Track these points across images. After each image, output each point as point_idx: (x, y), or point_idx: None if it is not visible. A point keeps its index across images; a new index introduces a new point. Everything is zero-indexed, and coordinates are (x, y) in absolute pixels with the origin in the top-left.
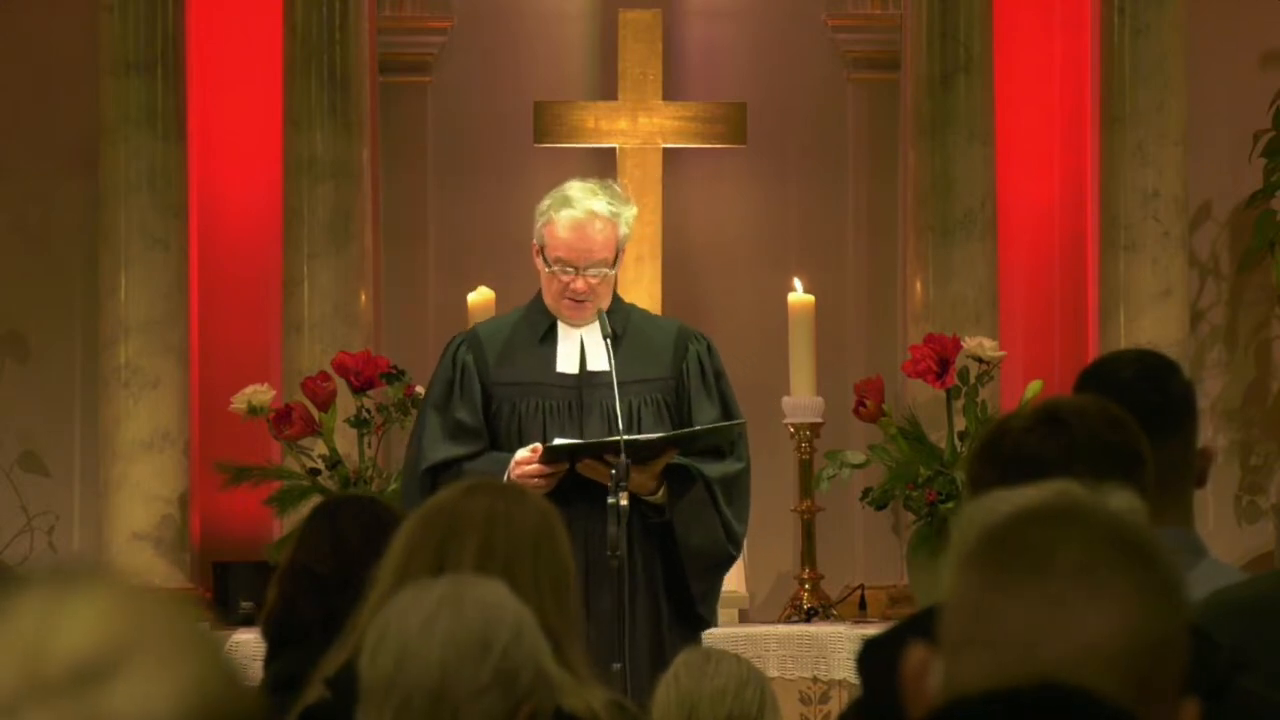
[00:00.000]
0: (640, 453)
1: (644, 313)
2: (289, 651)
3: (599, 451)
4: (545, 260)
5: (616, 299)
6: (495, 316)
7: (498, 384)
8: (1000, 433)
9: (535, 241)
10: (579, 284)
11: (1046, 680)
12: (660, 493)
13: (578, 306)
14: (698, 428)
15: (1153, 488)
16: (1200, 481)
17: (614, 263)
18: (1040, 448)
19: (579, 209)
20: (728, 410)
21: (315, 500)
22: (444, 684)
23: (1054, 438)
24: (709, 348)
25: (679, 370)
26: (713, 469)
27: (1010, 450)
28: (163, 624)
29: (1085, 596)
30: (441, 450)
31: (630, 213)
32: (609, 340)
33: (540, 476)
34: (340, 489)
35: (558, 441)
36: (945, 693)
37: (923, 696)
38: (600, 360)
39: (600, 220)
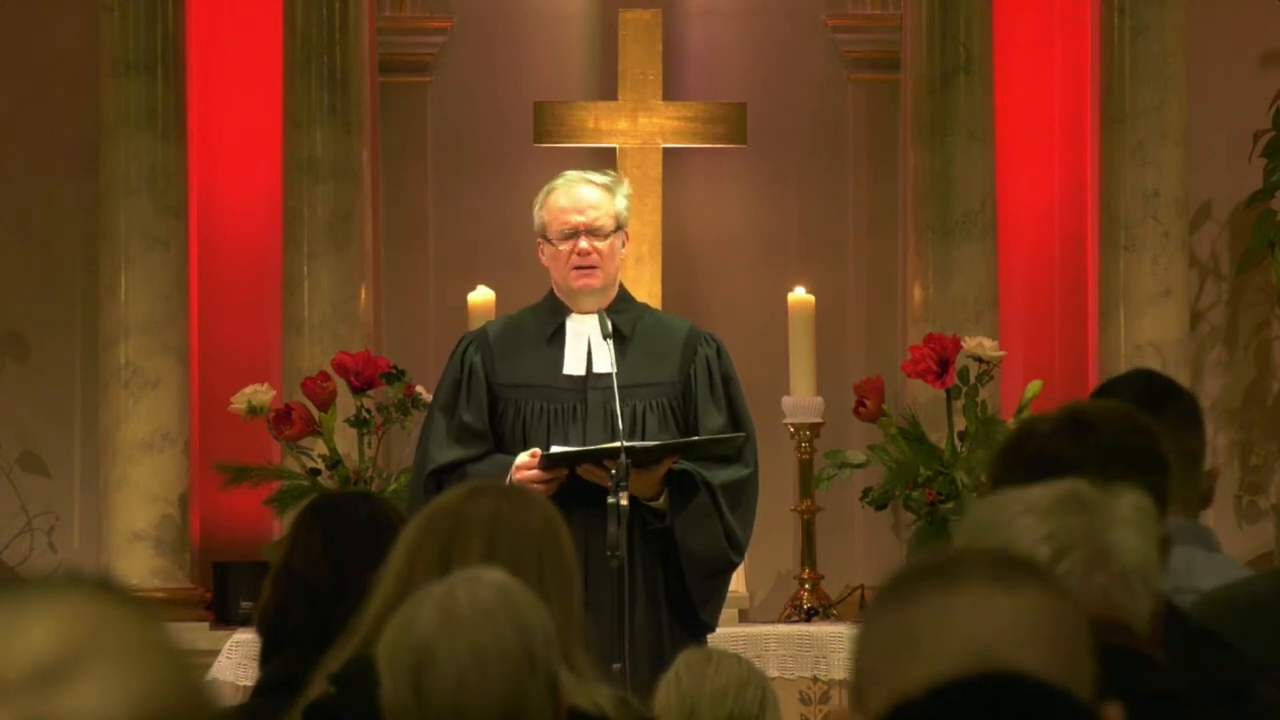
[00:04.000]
0: (641, 458)
1: (655, 313)
2: (284, 653)
3: (599, 458)
4: (548, 240)
5: (629, 298)
6: (506, 315)
7: (503, 385)
8: (1025, 435)
9: (537, 235)
10: (583, 244)
11: (987, 669)
12: (662, 499)
13: (588, 273)
14: (698, 437)
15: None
16: (1206, 502)
17: (615, 232)
18: (1063, 451)
19: (570, 178)
20: (735, 416)
21: None
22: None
23: (1078, 441)
24: (719, 351)
25: (686, 374)
26: (717, 475)
27: (1033, 453)
28: (124, 629)
29: (1005, 590)
30: (446, 453)
31: (624, 187)
32: (610, 341)
33: (540, 482)
34: (341, 489)
35: (556, 449)
36: None
37: None
38: (606, 363)
39: (594, 187)
